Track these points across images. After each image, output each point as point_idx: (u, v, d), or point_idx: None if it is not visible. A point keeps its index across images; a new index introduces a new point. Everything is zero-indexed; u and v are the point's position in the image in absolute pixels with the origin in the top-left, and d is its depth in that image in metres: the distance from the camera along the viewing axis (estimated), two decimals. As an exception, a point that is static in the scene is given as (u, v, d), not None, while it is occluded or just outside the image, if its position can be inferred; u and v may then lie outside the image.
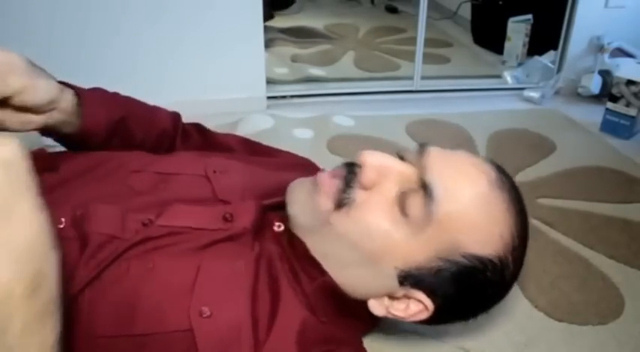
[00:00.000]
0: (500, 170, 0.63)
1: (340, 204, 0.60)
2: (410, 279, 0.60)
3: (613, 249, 1.08)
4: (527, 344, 0.85)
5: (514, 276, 0.64)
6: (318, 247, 0.63)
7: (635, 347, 0.86)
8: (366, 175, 0.59)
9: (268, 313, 0.58)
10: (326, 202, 0.61)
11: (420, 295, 0.61)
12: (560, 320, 0.90)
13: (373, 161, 0.60)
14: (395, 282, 0.61)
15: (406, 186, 0.60)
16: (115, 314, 0.54)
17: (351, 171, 0.61)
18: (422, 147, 0.63)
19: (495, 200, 0.60)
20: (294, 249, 0.64)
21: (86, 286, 0.55)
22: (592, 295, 0.96)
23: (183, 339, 0.54)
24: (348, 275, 0.63)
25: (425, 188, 0.58)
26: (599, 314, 0.92)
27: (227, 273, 0.58)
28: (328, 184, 0.61)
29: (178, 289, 0.56)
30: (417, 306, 0.62)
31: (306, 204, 0.63)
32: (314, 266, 0.63)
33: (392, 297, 0.63)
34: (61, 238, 0.57)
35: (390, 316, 0.64)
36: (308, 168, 0.90)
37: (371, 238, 0.59)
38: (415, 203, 0.58)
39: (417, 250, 0.59)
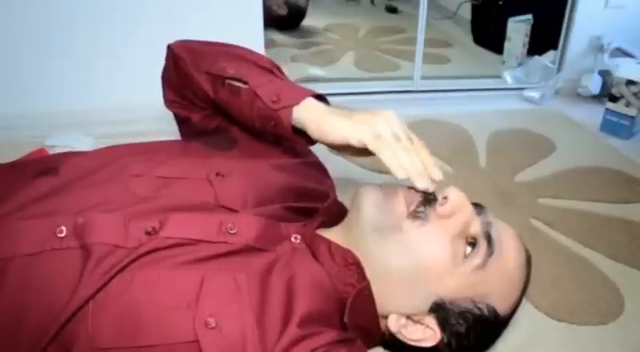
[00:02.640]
0: (527, 249, 0.73)
1: (415, 215, 0.66)
2: (440, 311, 0.65)
3: (613, 249, 1.08)
4: (527, 344, 0.85)
5: (502, 331, 0.73)
6: (372, 250, 0.66)
7: (635, 347, 0.86)
8: (448, 207, 0.65)
9: (280, 321, 0.58)
10: (403, 207, 0.67)
11: (433, 323, 0.66)
12: (560, 320, 0.90)
13: (456, 197, 0.66)
14: (426, 307, 0.66)
15: (469, 230, 0.66)
16: (118, 326, 0.54)
17: (429, 194, 0.68)
18: (480, 206, 0.70)
19: (523, 274, 0.70)
20: (333, 257, 0.67)
21: (90, 298, 0.54)
22: (592, 295, 0.96)
23: (188, 350, 0.54)
24: (389, 285, 0.66)
25: (489, 241, 0.66)
26: (599, 314, 0.92)
27: (230, 285, 0.58)
28: (409, 195, 0.68)
29: (183, 300, 0.56)
30: (425, 334, 0.67)
31: (382, 204, 0.67)
32: (354, 273, 0.65)
33: (409, 318, 0.67)
34: (61, 249, 0.57)
35: (399, 335, 0.67)
36: (316, 166, 0.89)
37: (433, 260, 0.64)
38: (479, 250, 0.65)
39: (461, 287, 0.65)
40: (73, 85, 1.56)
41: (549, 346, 0.86)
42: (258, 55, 0.83)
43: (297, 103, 0.68)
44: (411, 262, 0.64)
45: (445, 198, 0.66)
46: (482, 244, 0.66)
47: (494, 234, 0.67)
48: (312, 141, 0.68)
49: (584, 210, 1.22)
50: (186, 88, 0.83)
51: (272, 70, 0.79)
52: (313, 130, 0.67)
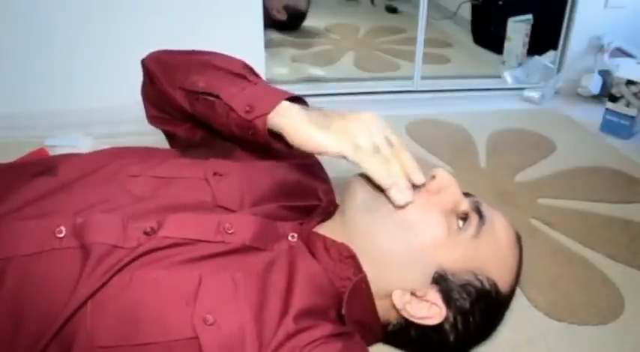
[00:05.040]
0: (516, 230, 0.75)
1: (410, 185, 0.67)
2: (442, 283, 0.66)
3: (613, 249, 1.08)
4: (527, 344, 0.85)
5: (504, 313, 0.75)
6: (367, 228, 0.67)
7: (635, 347, 0.86)
8: (436, 183, 0.68)
9: (278, 316, 0.58)
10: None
11: (438, 298, 0.66)
12: (560, 320, 0.90)
13: (444, 175, 0.69)
14: (428, 280, 0.66)
15: (459, 208, 0.69)
16: (117, 325, 0.54)
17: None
18: (468, 194, 0.73)
19: (516, 252, 0.72)
20: (329, 253, 0.67)
21: (89, 298, 0.55)
22: (592, 295, 0.96)
23: (186, 347, 0.54)
24: (391, 261, 0.67)
25: (480, 214, 0.69)
26: (599, 314, 0.92)
27: (228, 283, 0.58)
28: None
29: (181, 298, 0.56)
30: (431, 311, 0.67)
31: (373, 186, 0.68)
32: (350, 266, 0.66)
33: (413, 295, 0.67)
34: (61, 249, 0.57)
35: (403, 313, 0.67)
36: (312, 167, 0.89)
37: (429, 231, 0.66)
38: (472, 222, 0.68)
39: (459, 257, 0.67)
40: (74, 85, 1.56)
41: (549, 346, 0.86)
42: (231, 59, 0.82)
43: (269, 112, 0.67)
44: (407, 234, 0.66)
45: (433, 176, 0.69)
46: (474, 217, 0.68)
47: (484, 210, 0.70)
48: (291, 146, 0.68)
49: (584, 210, 1.22)
50: (165, 104, 0.84)
51: (245, 75, 0.77)
52: (290, 136, 0.66)
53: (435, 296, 0.66)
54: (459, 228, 0.68)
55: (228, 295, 0.57)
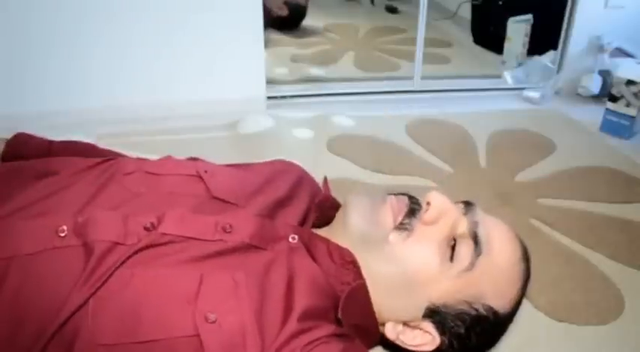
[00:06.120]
0: (522, 241, 0.72)
1: (401, 227, 0.66)
2: (435, 316, 0.66)
3: (613, 249, 1.08)
4: (528, 344, 0.85)
5: (507, 327, 0.73)
6: (361, 259, 0.66)
7: (635, 347, 0.86)
8: (431, 214, 0.66)
9: (280, 317, 0.58)
10: (390, 218, 0.67)
11: (430, 327, 0.66)
12: (560, 320, 0.90)
13: (439, 202, 0.66)
14: (420, 313, 0.66)
15: (456, 231, 0.67)
16: (119, 322, 0.54)
17: (414, 202, 0.69)
18: (469, 204, 0.71)
19: (519, 268, 0.69)
20: (331, 256, 0.67)
21: (91, 295, 0.55)
22: (592, 295, 0.96)
23: (188, 345, 0.54)
24: (381, 295, 0.66)
25: (476, 240, 0.66)
26: (599, 314, 0.92)
27: (229, 283, 0.58)
28: (397, 204, 0.69)
29: (182, 296, 0.56)
30: (424, 338, 0.67)
31: (369, 216, 0.68)
32: (351, 271, 0.66)
33: (406, 325, 0.68)
34: (62, 247, 0.58)
35: (397, 342, 0.68)
36: (287, 170, 0.88)
37: (421, 268, 0.65)
38: (464, 251, 0.65)
39: (452, 290, 0.65)
40: (74, 85, 1.56)
41: (549, 346, 0.86)
42: None
43: None
44: (399, 271, 0.65)
45: (428, 203, 0.67)
46: (469, 245, 0.66)
47: (481, 233, 0.66)
48: None
49: (584, 210, 1.22)
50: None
51: None
52: None
53: (427, 325, 0.66)
54: (451, 259, 0.66)
55: (229, 294, 0.57)
